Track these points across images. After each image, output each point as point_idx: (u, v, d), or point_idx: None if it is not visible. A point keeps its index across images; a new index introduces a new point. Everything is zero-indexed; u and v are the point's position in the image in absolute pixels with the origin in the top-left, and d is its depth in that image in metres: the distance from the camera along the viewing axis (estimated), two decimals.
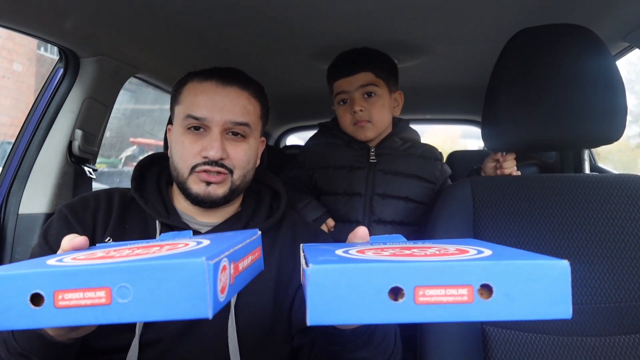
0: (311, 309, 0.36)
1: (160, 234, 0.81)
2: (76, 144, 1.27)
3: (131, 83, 1.57)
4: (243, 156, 0.83)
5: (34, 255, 0.79)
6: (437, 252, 0.42)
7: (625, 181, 0.95)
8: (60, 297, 0.35)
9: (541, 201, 0.95)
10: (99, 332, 0.74)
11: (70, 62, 1.26)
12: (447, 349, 0.87)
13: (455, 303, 0.36)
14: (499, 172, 1.13)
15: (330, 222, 1.26)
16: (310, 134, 1.53)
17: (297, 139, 3.32)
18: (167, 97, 1.82)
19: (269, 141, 2.77)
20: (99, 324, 0.36)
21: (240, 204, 0.92)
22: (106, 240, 0.80)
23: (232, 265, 0.41)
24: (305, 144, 1.51)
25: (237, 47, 1.46)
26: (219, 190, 0.82)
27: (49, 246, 0.78)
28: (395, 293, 0.36)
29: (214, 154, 0.79)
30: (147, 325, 0.77)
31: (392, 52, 1.31)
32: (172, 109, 0.89)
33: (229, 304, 0.79)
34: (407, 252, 0.43)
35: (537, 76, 0.95)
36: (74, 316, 0.35)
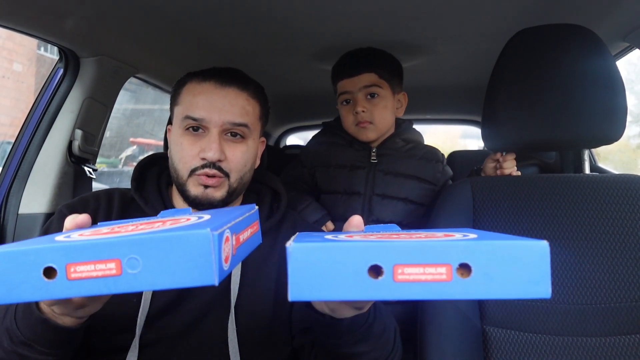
0: (292, 285, 0.38)
1: None
2: (76, 144, 1.27)
3: (131, 83, 1.57)
4: (240, 158, 0.83)
5: None
6: (422, 236, 0.43)
7: (625, 181, 0.95)
8: (72, 269, 0.37)
9: (541, 201, 0.95)
10: (100, 332, 0.74)
11: (70, 62, 1.26)
12: (447, 349, 0.87)
13: (434, 281, 0.37)
14: (499, 172, 1.13)
15: (330, 225, 1.26)
16: (310, 133, 1.53)
17: (297, 139, 3.32)
18: (167, 97, 1.82)
19: (269, 141, 2.77)
20: (110, 294, 0.38)
21: (240, 204, 0.92)
22: None
23: (234, 237, 0.43)
24: (308, 142, 1.51)
25: (237, 47, 1.46)
26: (217, 194, 0.82)
27: None
28: (376, 272, 0.37)
29: (211, 155, 0.79)
30: (147, 326, 0.77)
31: (392, 52, 1.32)
32: (171, 110, 0.89)
33: (229, 304, 0.79)
34: (395, 237, 0.44)
35: (537, 76, 0.95)
36: (87, 287, 0.37)
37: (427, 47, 1.49)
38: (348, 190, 1.28)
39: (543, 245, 0.37)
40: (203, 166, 0.80)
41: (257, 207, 0.57)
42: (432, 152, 1.35)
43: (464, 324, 0.89)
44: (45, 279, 0.37)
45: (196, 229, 0.37)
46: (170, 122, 0.91)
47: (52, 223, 0.81)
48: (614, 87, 0.93)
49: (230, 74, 0.84)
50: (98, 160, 1.43)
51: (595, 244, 0.91)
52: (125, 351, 0.75)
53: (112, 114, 1.42)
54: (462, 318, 0.89)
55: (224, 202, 0.83)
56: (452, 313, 0.89)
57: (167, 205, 0.86)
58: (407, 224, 1.26)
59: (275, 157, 2.21)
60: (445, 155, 1.42)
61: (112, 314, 0.73)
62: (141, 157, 0.98)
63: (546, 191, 0.96)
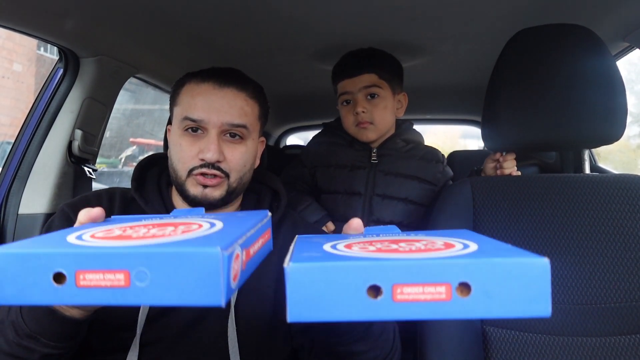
0: (291, 306, 0.37)
1: None
2: (76, 144, 1.27)
3: (131, 83, 1.57)
4: (240, 159, 0.83)
5: None
6: (422, 248, 0.42)
7: (625, 181, 0.95)
8: (81, 277, 0.37)
9: (541, 201, 0.95)
10: (100, 331, 0.74)
11: (70, 62, 1.26)
12: (447, 349, 0.87)
13: (433, 301, 0.36)
14: (499, 172, 1.13)
15: (331, 226, 1.26)
16: (310, 134, 1.53)
17: (297, 139, 3.32)
18: (167, 97, 1.82)
19: (268, 141, 2.77)
20: (117, 305, 0.38)
21: (240, 204, 0.92)
22: None
23: (244, 252, 0.42)
24: (309, 142, 1.51)
25: (237, 47, 1.46)
26: (216, 193, 0.82)
27: None
28: (375, 291, 0.37)
29: (210, 156, 0.79)
30: (148, 325, 0.77)
31: (392, 52, 1.32)
32: (170, 110, 0.89)
33: (229, 304, 0.79)
34: (394, 246, 0.43)
35: (537, 76, 0.95)
36: (95, 296, 0.37)
37: (427, 47, 1.49)
38: (348, 190, 1.28)
39: (543, 263, 0.36)
40: (201, 166, 0.80)
41: (270, 214, 0.56)
42: (432, 152, 1.35)
43: (463, 324, 0.88)
44: (55, 284, 0.37)
45: (206, 245, 0.37)
46: (170, 122, 0.91)
47: (53, 222, 0.81)
48: (614, 87, 0.93)
49: (229, 75, 0.84)
50: (98, 160, 1.43)
51: (595, 244, 0.91)
52: (125, 350, 0.75)
53: (112, 114, 1.42)
54: None
55: (223, 202, 0.83)
56: None
57: (167, 205, 0.86)
58: (407, 224, 1.26)
59: (275, 157, 2.21)
60: (445, 156, 1.42)
61: (113, 313, 0.73)
62: (141, 157, 0.98)
63: (546, 191, 0.96)
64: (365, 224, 0.57)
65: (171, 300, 0.37)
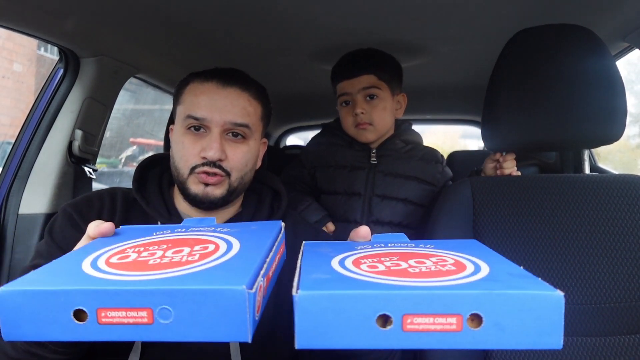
0: (299, 334, 0.37)
1: None
2: (76, 144, 1.27)
3: (131, 83, 1.57)
4: (241, 158, 0.83)
5: (40, 252, 0.78)
6: (432, 269, 0.42)
7: (625, 181, 0.95)
8: (103, 314, 0.36)
9: (541, 201, 0.95)
10: None
11: (70, 62, 1.26)
12: (447, 349, 0.87)
13: (443, 331, 0.36)
14: (499, 172, 1.13)
15: (331, 227, 1.26)
16: (310, 134, 1.53)
17: (297, 139, 3.32)
18: (167, 97, 1.83)
19: (268, 141, 2.77)
20: (141, 340, 0.37)
21: (241, 204, 0.92)
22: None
23: (265, 280, 0.41)
24: (308, 143, 1.51)
25: (237, 47, 1.46)
26: (217, 192, 0.82)
27: (56, 244, 0.78)
28: (385, 319, 0.36)
29: (212, 154, 0.79)
30: None
31: (392, 52, 1.32)
32: (173, 109, 0.90)
33: None
34: (404, 265, 0.43)
35: (537, 76, 0.95)
36: (117, 333, 0.36)
37: (427, 47, 1.49)
38: (348, 190, 1.28)
39: (558, 297, 0.36)
40: (203, 164, 0.80)
41: (283, 225, 0.56)
42: (432, 153, 1.35)
43: None
44: (76, 321, 0.36)
45: (231, 282, 0.36)
46: (172, 122, 0.91)
47: (55, 222, 0.81)
48: (614, 87, 0.93)
49: (232, 75, 0.84)
50: (98, 160, 1.43)
51: (595, 244, 0.91)
52: (127, 351, 0.75)
53: (112, 114, 1.42)
54: None
55: (224, 201, 0.83)
56: None
57: (169, 206, 0.86)
58: (407, 225, 1.26)
59: (275, 157, 2.21)
60: (445, 156, 1.42)
61: None
62: (141, 158, 0.98)
63: (546, 191, 0.96)
64: (365, 224, 0.57)
65: (195, 337, 0.36)
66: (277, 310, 0.83)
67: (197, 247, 0.45)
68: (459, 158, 2.14)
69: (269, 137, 2.89)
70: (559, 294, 0.36)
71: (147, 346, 0.76)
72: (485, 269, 0.41)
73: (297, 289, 0.38)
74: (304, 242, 0.54)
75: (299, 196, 1.29)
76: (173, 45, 1.40)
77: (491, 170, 1.15)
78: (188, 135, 0.82)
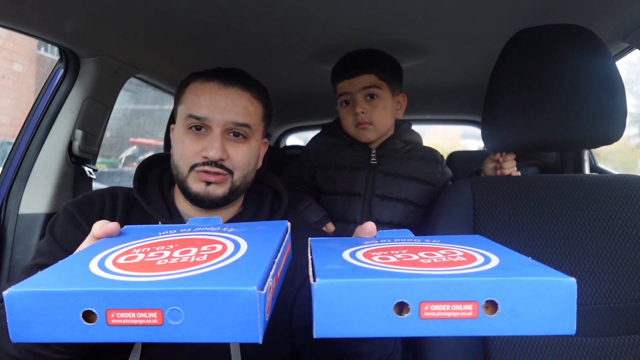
0: (318, 323, 0.37)
1: None
2: (76, 144, 1.27)
3: (131, 83, 1.57)
4: (243, 157, 0.83)
5: (41, 251, 0.78)
6: (443, 260, 0.42)
7: (625, 181, 0.95)
8: (112, 315, 0.36)
9: (541, 201, 0.95)
10: None
11: (70, 62, 1.26)
12: (446, 348, 0.87)
13: (460, 318, 0.36)
14: (498, 172, 1.13)
15: (331, 227, 1.26)
16: (310, 134, 1.53)
17: (297, 139, 3.32)
18: (167, 97, 1.83)
19: (269, 141, 2.77)
20: (151, 342, 0.37)
21: (242, 204, 0.92)
22: None
23: (274, 280, 0.41)
24: (308, 143, 1.51)
25: (237, 47, 1.46)
26: (219, 191, 0.82)
27: (57, 242, 0.78)
28: (400, 306, 0.37)
29: (214, 154, 0.79)
30: None
31: (392, 53, 1.32)
32: (175, 109, 0.90)
33: None
34: (415, 257, 0.43)
35: (537, 77, 0.95)
36: (127, 334, 0.36)
37: (427, 47, 1.49)
38: (348, 191, 1.28)
39: (571, 282, 0.36)
40: (204, 164, 0.80)
41: (289, 225, 0.56)
42: (432, 153, 1.35)
43: None
44: (85, 322, 0.36)
45: (241, 283, 0.36)
46: (173, 121, 0.91)
47: (56, 222, 0.81)
48: (614, 88, 0.93)
49: (234, 75, 0.85)
50: (98, 160, 1.43)
51: (595, 244, 0.91)
52: (128, 351, 0.75)
53: (112, 114, 1.42)
54: None
55: (226, 200, 0.83)
56: None
57: (169, 206, 0.86)
58: (407, 225, 1.26)
59: (275, 157, 2.21)
60: (445, 156, 1.42)
61: None
62: (141, 158, 0.98)
63: (546, 191, 0.96)
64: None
65: (205, 338, 0.36)
66: (277, 307, 0.83)
67: (204, 248, 0.45)
68: (459, 158, 2.14)
69: (269, 137, 2.89)
70: (572, 280, 0.36)
71: (147, 346, 0.76)
72: (495, 260, 0.42)
73: (315, 278, 0.38)
74: (309, 238, 0.54)
75: (299, 196, 1.29)
76: (173, 45, 1.40)
77: (491, 170, 1.15)
78: (189, 134, 0.82)
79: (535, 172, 1.93)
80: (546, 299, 0.36)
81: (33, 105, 1.29)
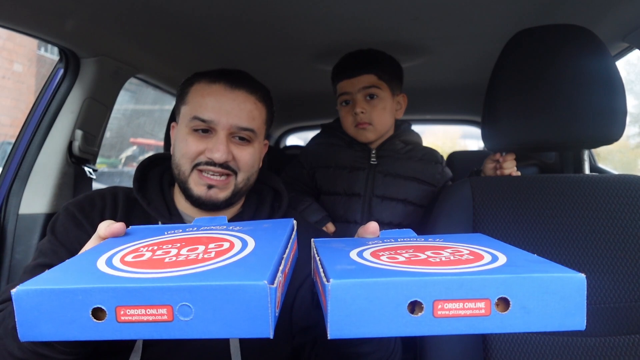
0: (332, 323, 0.37)
1: None
2: (76, 144, 1.27)
3: (131, 83, 1.57)
4: (249, 159, 0.83)
5: (43, 251, 0.78)
6: (451, 258, 0.42)
7: (625, 181, 0.95)
8: (122, 312, 0.36)
9: (541, 201, 0.95)
10: None
11: (70, 62, 1.26)
12: (446, 348, 0.87)
13: (472, 316, 0.37)
14: (498, 172, 1.13)
15: (331, 227, 1.26)
16: (310, 134, 1.53)
17: (297, 139, 3.32)
18: (167, 97, 1.83)
19: (269, 141, 2.77)
20: (161, 338, 0.36)
21: (243, 204, 0.92)
22: None
23: (283, 276, 0.41)
24: (307, 143, 1.51)
25: (237, 47, 1.46)
26: (221, 195, 0.82)
27: (59, 241, 0.78)
28: (413, 305, 0.37)
29: (219, 156, 0.79)
30: None
31: (392, 53, 1.32)
32: (177, 108, 0.89)
33: None
34: (422, 256, 0.43)
35: (536, 77, 0.95)
36: (137, 330, 0.36)
37: (427, 47, 1.49)
38: (348, 191, 1.28)
39: (580, 278, 0.37)
40: (207, 164, 0.80)
41: (295, 222, 0.56)
42: (431, 153, 1.35)
43: None
44: (94, 320, 0.36)
45: (251, 278, 0.36)
46: (172, 120, 0.91)
47: (57, 220, 0.81)
48: (614, 88, 0.93)
49: (240, 77, 0.84)
50: (98, 160, 1.43)
51: (595, 244, 0.91)
52: (128, 351, 0.75)
53: (112, 114, 1.42)
54: None
55: (227, 203, 0.83)
56: None
57: (169, 206, 0.86)
58: (407, 225, 1.26)
59: (275, 157, 2.21)
60: (445, 156, 1.42)
61: None
62: (141, 158, 0.98)
63: (546, 191, 0.96)
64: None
65: (216, 333, 0.36)
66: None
67: (211, 245, 0.45)
68: (459, 158, 2.14)
69: (269, 137, 2.89)
70: (582, 275, 0.37)
71: (147, 345, 0.76)
72: (502, 257, 0.42)
73: (328, 278, 0.37)
74: (313, 239, 0.54)
75: (299, 196, 1.29)
76: (173, 45, 1.40)
77: (491, 170, 1.15)
78: (193, 134, 0.82)
79: (535, 172, 1.93)
80: (556, 294, 0.37)
81: (33, 106, 1.29)
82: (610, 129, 0.93)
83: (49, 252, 0.77)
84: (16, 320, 0.36)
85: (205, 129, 0.81)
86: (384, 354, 0.70)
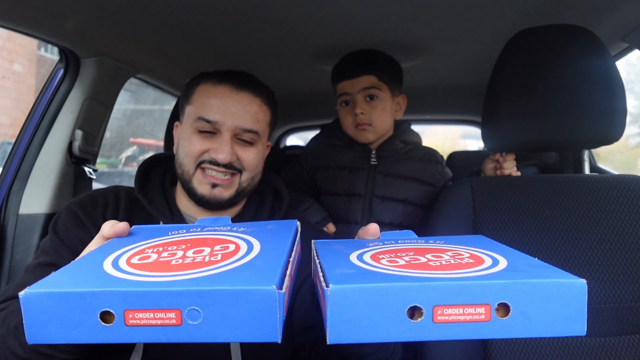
0: (331, 329, 0.37)
1: None
2: (76, 144, 1.27)
3: (131, 83, 1.57)
4: (253, 159, 0.84)
5: (45, 250, 0.78)
6: (452, 262, 0.42)
7: (625, 181, 0.95)
8: (130, 315, 0.36)
9: (541, 201, 0.95)
10: None
11: (70, 62, 1.26)
12: (446, 349, 0.87)
13: (472, 321, 0.37)
14: (498, 172, 1.13)
15: (331, 227, 1.26)
16: (310, 134, 1.53)
17: (297, 140, 3.32)
18: (167, 97, 1.83)
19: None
20: (169, 342, 0.36)
21: (244, 204, 0.92)
22: None
23: (289, 279, 0.41)
24: (307, 144, 1.51)
25: (238, 47, 1.46)
26: (225, 194, 0.82)
27: (61, 240, 0.78)
28: (413, 311, 0.37)
29: (223, 157, 0.79)
30: None
31: (392, 53, 1.32)
32: (182, 107, 0.89)
33: None
34: (423, 259, 0.43)
35: (537, 77, 0.95)
36: (145, 334, 0.36)
37: (427, 47, 1.49)
38: (348, 191, 1.28)
39: (581, 284, 0.37)
40: (211, 162, 0.80)
41: (299, 224, 0.56)
42: (431, 153, 1.35)
43: None
44: (102, 323, 0.36)
45: (260, 283, 0.36)
46: (174, 120, 0.91)
47: (59, 219, 0.81)
48: (614, 88, 0.93)
49: (245, 79, 0.84)
50: (98, 160, 1.43)
51: (595, 244, 0.91)
52: (129, 350, 0.75)
53: (112, 114, 1.42)
54: None
55: (231, 202, 0.84)
56: None
57: (171, 205, 0.86)
58: (407, 225, 1.26)
59: (276, 157, 2.20)
60: (445, 156, 1.42)
61: None
62: (142, 158, 0.98)
63: (546, 191, 0.96)
64: (366, 225, 0.57)
65: (224, 337, 0.36)
66: None
67: (217, 247, 0.45)
68: (459, 158, 2.14)
69: (269, 137, 2.89)
70: (582, 281, 0.37)
71: (148, 346, 0.76)
72: (503, 261, 0.42)
73: (327, 283, 0.37)
74: (313, 240, 0.54)
75: (300, 196, 1.29)
76: (173, 46, 1.40)
77: (491, 170, 1.15)
78: (197, 134, 0.82)
79: (535, 172, 1.93)
80: (557, 300, 0.37)
81: (33, 106, 1.29)
82: (610, 129, 0.93)
83: (51, 250, 0.77)
84: (24, 323, 0.36)
85: (210, 130, 0.81)
86: (384, 355, 0.70)
